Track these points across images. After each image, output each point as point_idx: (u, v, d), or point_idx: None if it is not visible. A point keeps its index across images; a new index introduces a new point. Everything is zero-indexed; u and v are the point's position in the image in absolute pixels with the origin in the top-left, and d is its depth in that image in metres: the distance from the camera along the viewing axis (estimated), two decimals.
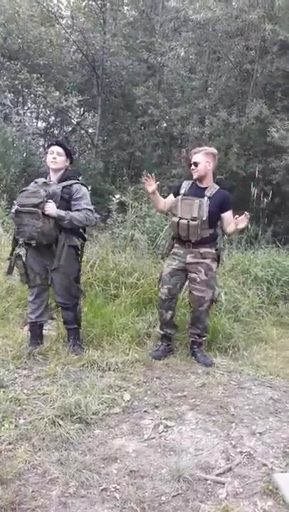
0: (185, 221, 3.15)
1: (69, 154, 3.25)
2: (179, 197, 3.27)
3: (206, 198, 3.18)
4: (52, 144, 3.23)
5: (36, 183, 3.09)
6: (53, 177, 3.18)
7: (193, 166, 3.24)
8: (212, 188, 3.26)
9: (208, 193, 3.22)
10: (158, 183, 3.32)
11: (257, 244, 5.50)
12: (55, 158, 3.14)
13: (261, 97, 7.78)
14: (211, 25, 7.82)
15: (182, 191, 3.30)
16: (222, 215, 3.25)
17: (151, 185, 3.27)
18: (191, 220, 3.13)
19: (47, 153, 3.27)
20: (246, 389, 3.00)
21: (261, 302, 4.38)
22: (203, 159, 3.23)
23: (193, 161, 3.24)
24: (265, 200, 5.87)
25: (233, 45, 8.33)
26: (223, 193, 3.28)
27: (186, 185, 3.33)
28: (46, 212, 2.91)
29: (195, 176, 3.26)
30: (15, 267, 3.20)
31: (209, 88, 9.52)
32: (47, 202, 2.93)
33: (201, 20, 7.37)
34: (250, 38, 7.97)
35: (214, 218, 3.21)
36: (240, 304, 4.08)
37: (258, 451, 2.27)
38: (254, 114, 7.39)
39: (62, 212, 3.00)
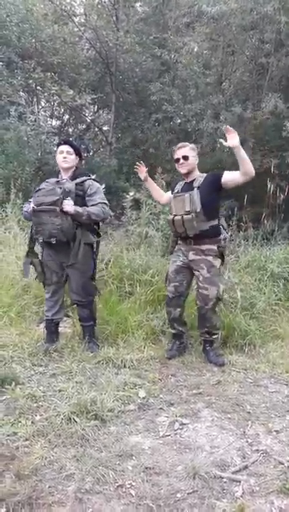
0: (179, 217, 3.14)
1: (78, 152, 3.26)
2: (172, 196, 3.31)
3: (195, 190, 3.13)
4: (60, 144, 3.25)
5: (48, 182, 3.11)
6: (65, 176, 3.21)
7: (182, 160, 3.19)
8: (198, 178, 3.21)
9: (196, 184, 3.18)
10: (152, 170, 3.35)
11: (273, 240, 5.42)
12: (66, 157, 3.17)
13: (276, 91, 7.66)
14: (225, 19, 7.72)
15: (175, 191, 3.32)
16: (223, 178, 3.06)
17: (142, 172, 3.52)
18: (185, 214, 3.12)
19: (57, 153, 3.29)
20: (262, 386, 2.98)
21: (278, 299, 4.32)
22: (190, 153, 3.21)
23: (182, 155, 3.19)
24: (282, 195, 5.79)
25: (248, 39, 8.22)
26: (208, 175, 3.22)
27: (179, 186, 3.34)
28: (64, 209, 2.95)
29: (184, 171, 3.22)
30: (31, 266, 3.25)
31: (224, 83, 9.43)
32: (64, 199, 2.96)
33: (215, 14, 7.29)
34: (265, 31, 7.84)
35: (211, 207, 3.12)
36: (257, 301, 4.04)
37: (274, 450, 2.25)
38: (269, 109, 7.29)
39: (79, 209, 3.02)
